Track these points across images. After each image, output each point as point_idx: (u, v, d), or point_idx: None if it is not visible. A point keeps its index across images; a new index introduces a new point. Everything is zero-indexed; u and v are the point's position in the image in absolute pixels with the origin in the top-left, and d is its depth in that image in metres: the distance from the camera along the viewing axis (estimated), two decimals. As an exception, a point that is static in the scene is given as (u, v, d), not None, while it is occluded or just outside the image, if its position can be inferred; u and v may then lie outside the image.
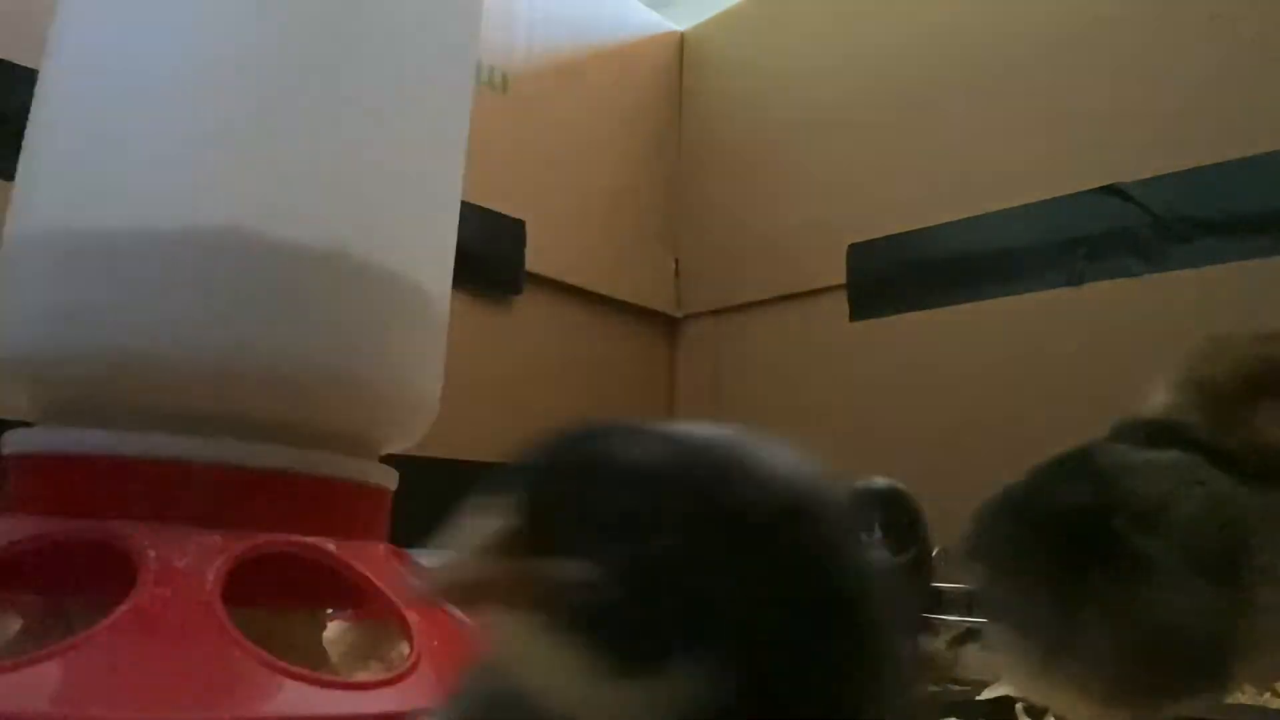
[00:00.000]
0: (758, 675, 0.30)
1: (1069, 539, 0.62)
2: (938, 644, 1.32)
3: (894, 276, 1.62)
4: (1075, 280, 1.38)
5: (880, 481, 1.07)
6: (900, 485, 1.09)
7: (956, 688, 1.18)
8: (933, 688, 1.21)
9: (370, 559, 0.71)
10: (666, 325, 2.01)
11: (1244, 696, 1.02)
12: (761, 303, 1.85)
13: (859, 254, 1.68)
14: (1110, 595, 0.59)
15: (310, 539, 0.68)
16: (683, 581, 0.31)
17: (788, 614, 0.31)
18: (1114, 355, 1.29)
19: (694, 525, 0.32)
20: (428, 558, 0.68)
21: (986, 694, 1.04)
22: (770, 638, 0.31)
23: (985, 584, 0.69)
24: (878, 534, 1.04)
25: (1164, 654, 0.58)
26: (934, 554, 1.16)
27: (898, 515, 1.07)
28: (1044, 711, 0.83)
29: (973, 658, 1.23)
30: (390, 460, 0.82)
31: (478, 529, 0.32)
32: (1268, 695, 1.02)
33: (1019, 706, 0.91)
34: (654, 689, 0.30)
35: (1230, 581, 0.58)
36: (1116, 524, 0.60)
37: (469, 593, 0.31)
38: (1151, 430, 0.67)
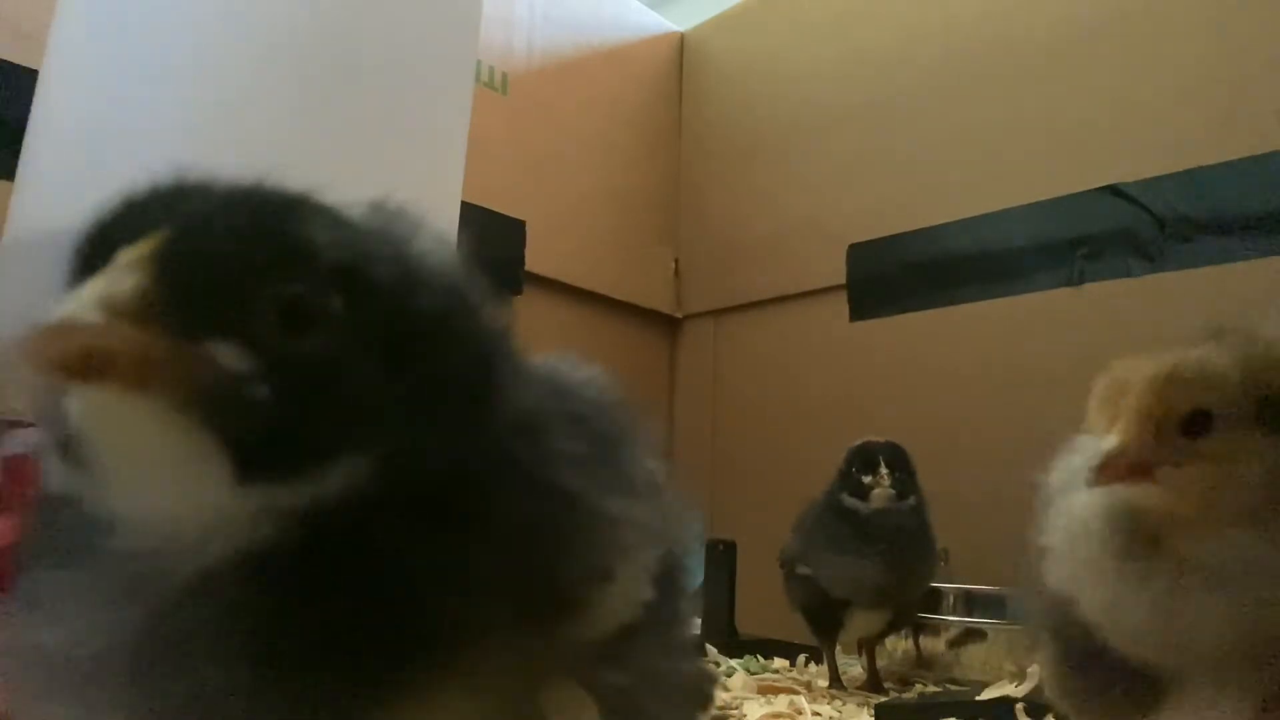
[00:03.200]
0: (406, 467, 0.28)
1: None
2: (938, 644, 1.32)
3: (894, 276, 1.62)
4: (1075, 280, 1.38)
5: (881, 439, 1.19)
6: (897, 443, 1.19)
7: (956, 688, 1.18)
8: (933, 688, 1.21)
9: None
10: (666, 325, 2.01)
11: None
12: (761, 303, 1.85)
13: (859, 254, 1.68)
14: None
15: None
16: (348, 381, 0.28)
17: (440, 404, 0.29)
18: (1114, 355, 1.28)
19: (362, 315, 0.28)
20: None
21: (986, 694, 1.04)
22: (424, 428, 0.28)
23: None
24: (886, 477, 1.13)
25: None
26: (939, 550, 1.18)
27: (900, 465, 1.16)
28: (1045, 711, 0.83)
29: (973, 657, 1.23)
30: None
31: (99, 286, 0.25)
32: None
33: (1019, 706, 0.91)
34: (279, 496, 0.27)
35: None
36: None
37: (80, 362, 0.24)
38: None
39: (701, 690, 0.44)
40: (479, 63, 1.62)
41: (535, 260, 1.70)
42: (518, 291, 1.67)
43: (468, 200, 0.91)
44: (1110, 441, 0.53)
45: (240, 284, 0.27)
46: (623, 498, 0.34)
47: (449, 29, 0.86)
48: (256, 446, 0.26)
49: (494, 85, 1.69)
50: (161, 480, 0.27)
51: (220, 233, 0.27)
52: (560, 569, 0.31)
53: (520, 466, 0.31)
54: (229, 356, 0.26)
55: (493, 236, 1.63)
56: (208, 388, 0.25)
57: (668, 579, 0.38)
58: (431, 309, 0.30)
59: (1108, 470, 0.53)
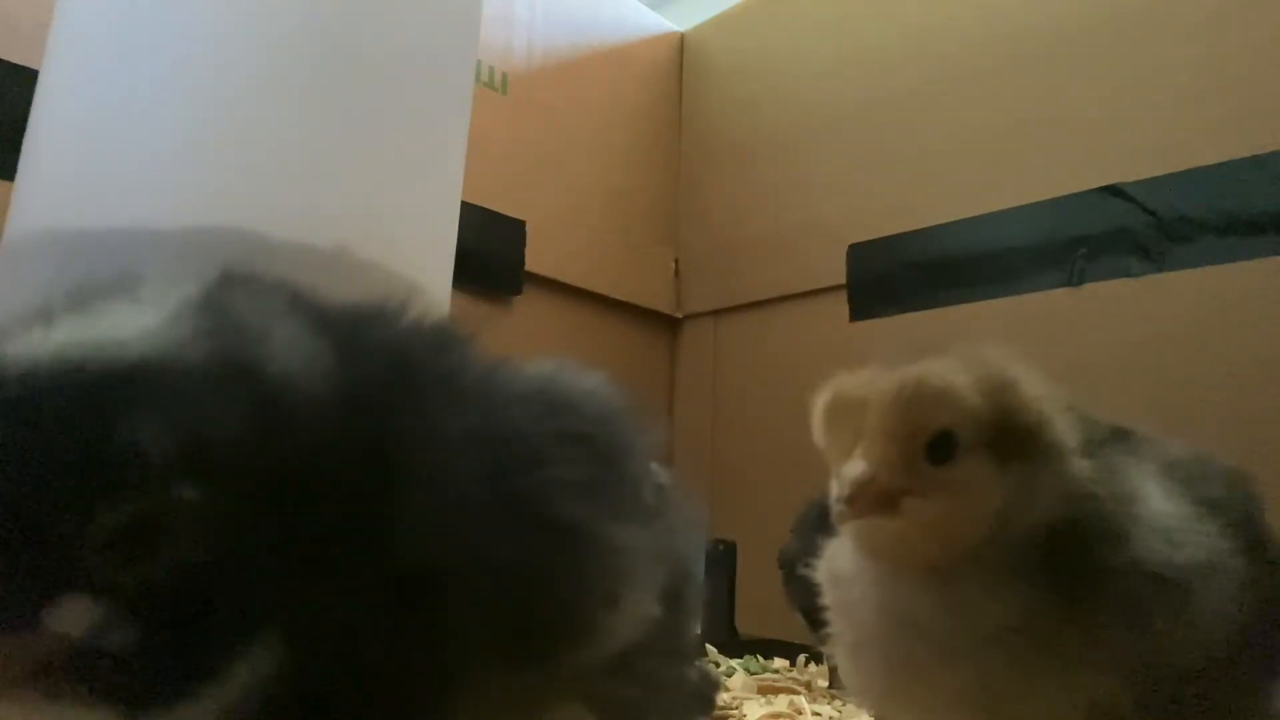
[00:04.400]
0: (313, 659, 0.25)
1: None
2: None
3: (894, 276, 1.62)
4: (1075, 280, 1.38)
5: None
6: None
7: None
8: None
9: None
10: (666, 325, 2.01)
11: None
12: (761, 303, 1.85)
13: (859, 254, 1.68)
14: None
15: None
16: (225, 575, 0.24)
17: (340, 589, 0.26)
18: (1114, 355, 1.29)
19: (221, 517, 0.24)
20: None
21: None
22: (328, 617, 0.26)
23: None
24: None
25: None
26: None
27: None
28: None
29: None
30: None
31: None
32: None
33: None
34: (198, 710, 0.24)
35: None
36: None
37: None
38: None
39: (703, 695, 0.43)
40: (479, 63, 1.62)
41: (535, 260, 1.70)
42: (517, 291, 1.67)
43: (468, 200, 0.91)
44: (857, 468, 0.46)
45: (59, 530, 0.22)
46: (627, 522, 0.33)
47: (449, 29, 0.86)
48: (138, 692, 0.23)
49: (494, 85, 1.69)
50: None
51: (19, 474, 0.23)
52: (563, 605, 0.30)
53: (510, 510, 0.29)
54: (72, 618, 0.22)
55: (492, 236, 1.63)
56: (61, 665, 0.22)
57: (673, 590, 0.37)
58: (310, 441, 0.27)
59: (860, 502, 0.45)
